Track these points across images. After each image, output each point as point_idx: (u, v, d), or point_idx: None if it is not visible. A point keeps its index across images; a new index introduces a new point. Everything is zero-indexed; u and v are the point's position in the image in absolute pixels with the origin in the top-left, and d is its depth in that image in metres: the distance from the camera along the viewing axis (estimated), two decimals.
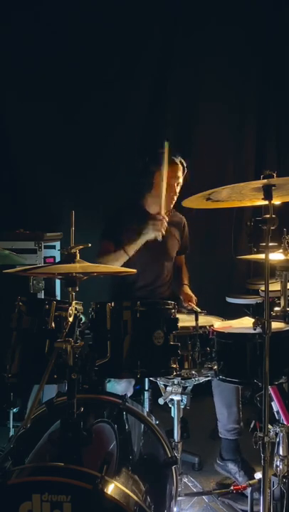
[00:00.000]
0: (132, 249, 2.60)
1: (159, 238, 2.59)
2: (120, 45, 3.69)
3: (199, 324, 2.01)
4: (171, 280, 2.92)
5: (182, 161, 2.73)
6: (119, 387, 2.37)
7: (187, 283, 2.96)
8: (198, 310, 2.51)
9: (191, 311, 2.05)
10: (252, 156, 4.19)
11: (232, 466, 2.54)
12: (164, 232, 2.59)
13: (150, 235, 2.59)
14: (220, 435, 2.61)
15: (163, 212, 2.62)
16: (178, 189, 2.73)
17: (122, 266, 2.56)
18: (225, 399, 2.54)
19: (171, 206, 2.78)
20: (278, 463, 2.03)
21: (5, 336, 1.77)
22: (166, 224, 2.58)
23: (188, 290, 2.88)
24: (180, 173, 2.72)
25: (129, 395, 1.98)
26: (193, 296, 2.81)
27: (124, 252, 2.60)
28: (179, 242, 2.94)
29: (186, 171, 2.75)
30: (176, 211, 2.94)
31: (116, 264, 2.56)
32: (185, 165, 2.74)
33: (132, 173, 2.95)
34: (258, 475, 2.08)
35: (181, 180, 2.74)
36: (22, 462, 1.49)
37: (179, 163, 2.70)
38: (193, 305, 2.69)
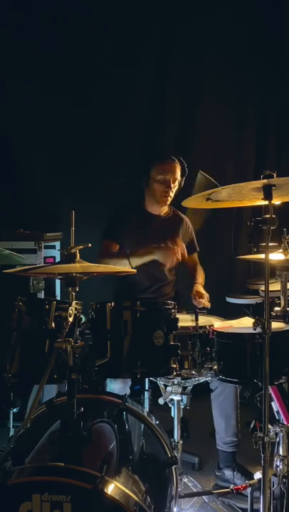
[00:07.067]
0: (137, 262, 2.57)
1: (168, 266, 2.61)
2: (120, 45, 3.69)
3: (199, 324, 2.01)
4: (175, 280, 2.90)
5: (182, 160, 2.71)
6: (115, 386, 2.36)
7: (200, 281, 2.82)
8: (207, 305, 2.53)
9: (195, 311, 2.04)
10: (252, 156, 4.19)
11: (228, 473, 2.55)
12: (174, 263, 2.57)
13: (159, 259, 2.57)
14: (217, 447, 2.59)
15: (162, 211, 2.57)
16: (174, 187, 2.70)
17: None
18: (223, 412, 2.53)
19: (167, 202, 2.74)
20: (278, 463, 2.03)
21: (5, 336, 1.77)
22: (179, 257, 2.55)
23: (199, 288, 2.73)
24: (178, 171, 2.68)
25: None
26: (204, 293, 2.67)
27: (128, 262, 2.57)
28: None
29: (186, 172, 2.73)
30: (178, 211, 2.93)
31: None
32: (185, 165, 2.72)
33: (133, 172, 2.94)
34: (258, 475, 2.08)
35: (179, 178, 2.70)
36: (22, 462, 1.49)
37: (176, 160, 2.68)
38: (203, 301, 2.57)
